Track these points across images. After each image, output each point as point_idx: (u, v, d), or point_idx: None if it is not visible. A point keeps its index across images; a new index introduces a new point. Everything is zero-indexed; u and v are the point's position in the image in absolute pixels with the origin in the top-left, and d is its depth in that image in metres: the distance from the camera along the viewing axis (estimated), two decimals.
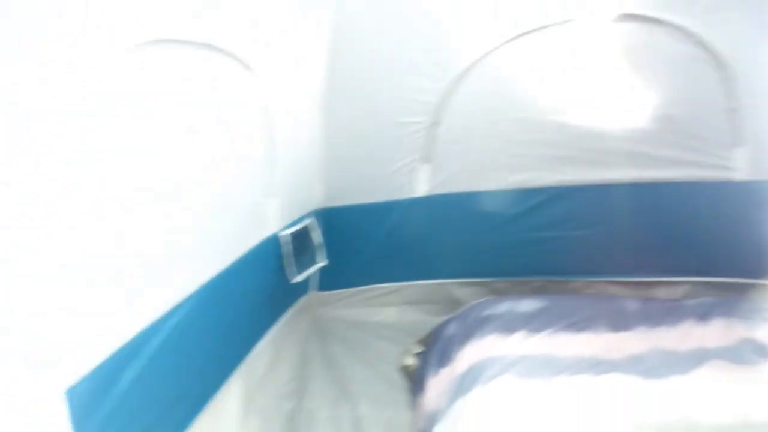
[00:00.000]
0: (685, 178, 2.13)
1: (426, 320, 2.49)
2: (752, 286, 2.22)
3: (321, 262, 2.31)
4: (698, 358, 1.64)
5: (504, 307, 2.07)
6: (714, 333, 1.81)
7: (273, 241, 1.94)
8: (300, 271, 2.10)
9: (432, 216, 2.37)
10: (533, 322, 1.95)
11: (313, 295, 2.57)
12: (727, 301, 2.01)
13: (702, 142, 2.05)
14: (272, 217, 1.92)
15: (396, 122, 2.13)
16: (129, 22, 0.96)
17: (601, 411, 1.49)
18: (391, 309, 2.61)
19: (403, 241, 2.45)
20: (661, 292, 2.37)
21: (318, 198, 2.35)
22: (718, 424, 1.39)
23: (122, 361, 1.09)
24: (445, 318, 2.19)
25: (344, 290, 2.61)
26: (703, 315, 1.90)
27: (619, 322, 1.92)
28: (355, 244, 2.49)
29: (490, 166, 2.23)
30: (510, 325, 1.93)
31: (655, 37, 1.78)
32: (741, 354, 1.67)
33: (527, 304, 2.09)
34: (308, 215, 2.27)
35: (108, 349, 1.05)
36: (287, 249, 2.00)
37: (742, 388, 1.51)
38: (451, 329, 2.04)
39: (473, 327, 1.96)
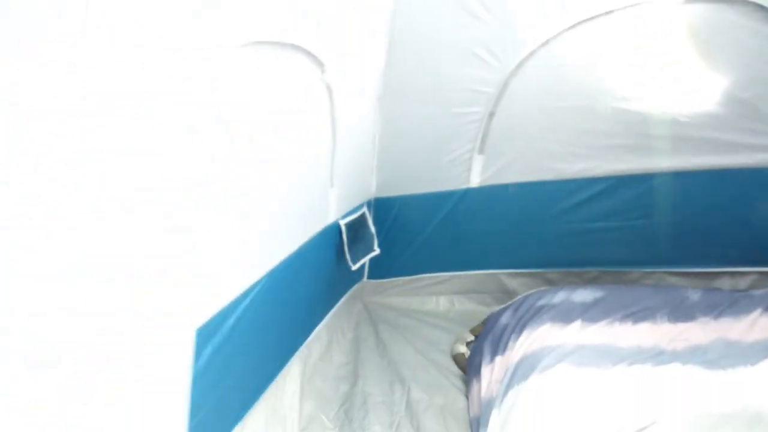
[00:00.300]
0: (755, 164, 2.05)
1: (477, 310, 2.52)
2: None
3: (375, 251, 2.37)
4: (766, 349, 1.59)
5: (559, 297, 2.06)
6: (745, 328, 1.75)
7: (334, 229, 2.02)
8: (356, 259, 2.17)
9: (484, 206, 2.37)
10: (590, 312, 1.94)
11: (366, 284, 2.64)
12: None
13: (743, 128, 1.97)
14: (333, 206, 2.00)
15: (451, 113, 2.13)
16: (229, 24, 1.05)
17: (662, 401, 1.48)
18: (442, 298, 2.65)
19: (455, 231, 2.47)
20: (726, 283, 2.30)
21: (371, 188, 2.41)
22: (741, 410, 1.36)
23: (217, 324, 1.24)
24: (498, 308, 2.21)
25: (395, 279, 2.66)
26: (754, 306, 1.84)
27: (681, 313, 1.89)
28: (405, 234, 2.53)
29: (546, 156, 2.21)
30: (566, 314, 1.93)
31: (724, 15, 1.72)
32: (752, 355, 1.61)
33: (583, 294, 2.07)
34: (363, 205, 2.34)
35: (213, 308, 1.24)
36: (348, 236, 2.08)
37: (746, 381, 1.46)
38: (505, 318, 2.05)
39: (528, 316, 1.97)
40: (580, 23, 1.79)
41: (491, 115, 2.11)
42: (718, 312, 1.86)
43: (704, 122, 1.96)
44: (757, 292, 1.97)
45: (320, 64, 1.49)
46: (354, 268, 2.12)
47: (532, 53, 1.91)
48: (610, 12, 1.75)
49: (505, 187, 2.32)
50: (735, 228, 2.15)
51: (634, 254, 2.35)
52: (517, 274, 2.57)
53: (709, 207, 2.16)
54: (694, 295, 1.98)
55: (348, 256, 2.08)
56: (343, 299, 2.40)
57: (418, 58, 2.03)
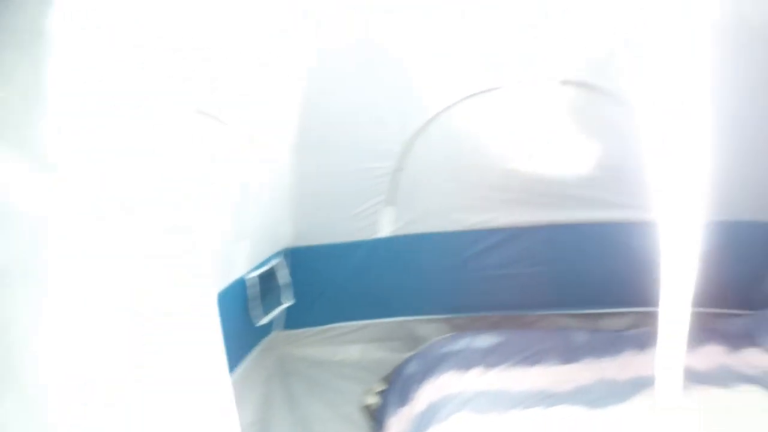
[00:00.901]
0: (626, 218, 2.32)
1: (389, 358, 2.57)
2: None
3: (287, 302, 2.37)
4: (636, 386, 1.78)
5: (462, 343, 2.18)
6: (650, 361, 1.96)
7: (240, 285, 2.00)
8: (266, 312, 2.16)
9: (395, 256, 2.48)
10: (489, 358, 2.06)
11: (279, 334, 2.61)
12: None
13: (638, 187, 2.26)
14: (241, 260, 1.99)
15: (362, 167, 2.26)
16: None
17: None
18: (355, 347, 2.68)
19: (367, 281, 2.54)
20: (608, 323, 2.53)
21: (287, 238, 2.43)
22: None
23: None
24: (406, 356, 2.28)
25: (309, 329, 2.67)
26: (642, 344, 2.06)
27: (568, 355, 2.06)
28: (321, 283, 2.57)
29: (450, 209, 2.38)
30: (467, 361, 2.04)
31: (593, 97, 2.00)
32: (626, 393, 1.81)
33: (484, 340, 2.20)
34: (276, 255, 2.34)
35: None
36: (253, 291, 2.06)
37: (675, 414, 1.65)
38: (411, 367, 2.12)
39: (432, 365, 2.05)
40: (474, 95, 2.01)
41: (399, 170, 2.25)
42: (599, 353, 2.06)
43: (580, 183, 2.21)
44: (630, 332, 2.21)
45: (220, 121, 1.53)
46: (260, 323, 2.11)
47: (434, 116, 2.10)
48: (498, 88, 1.98)
49: (413, 238, 2.45)
50: (613, 273, 2.40)
51: (530, 299, 2.54)
52: (427, 320, 2.66)
53: (589, 255, 2.41)
54: (580, 337, 2.18)
55: (254, 312, 2.07)
56: (252, 353, 2.35)
57: (333, 118, 2.13)
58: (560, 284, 2.50)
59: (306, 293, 2.50)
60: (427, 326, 2.65)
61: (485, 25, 1.82)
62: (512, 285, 2.53)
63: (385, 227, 2.42)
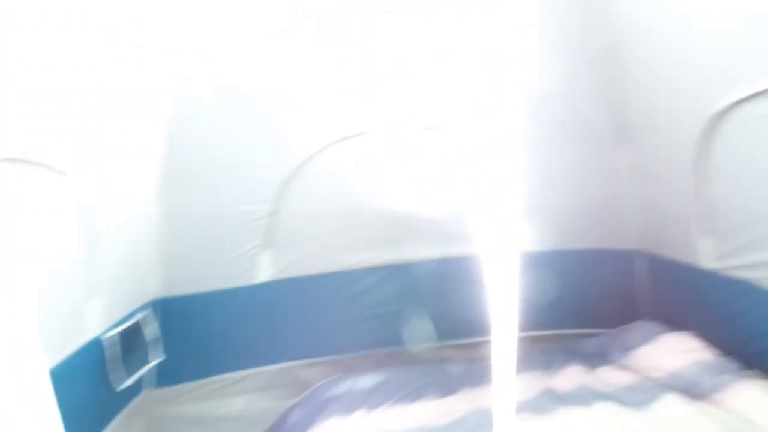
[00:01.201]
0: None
1: (275, 407, 2.45)
2: (551, 337, 2.62)
3: (156, 359, 2.18)
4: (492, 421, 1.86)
5: (345, 386, 2.15)
6: (520, 387, 2.08)
7: (94, 346, 1.80)
8: (129, 373, 1.96)
9: (276, 300, 2.42)
10: (372, 398, 2.05)
11: (150, 394, 2.39)
12: (531, 355, 2.34)
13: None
14: (94, 318, 1.80)
15: (237, 210, 2.21)
16: None
17: None
18: (238, 399, 2.52)
19: (248, 327, 2.44)
20: (486, 351, 2.65)
21: (155, 288, 2.27)
22: None
23: None
24: (289, 405, 2.19)
25: (186, 384, 2.47)
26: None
27: (446, 387, 2.12)
28: (197, 334, 2.41)
29: (329, 250, 2.38)
30: (350, 404, 2.01)
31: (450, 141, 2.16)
32: (541, 404, 1.94)
33: (366, 381, 2.20)
34: (142, 308, 2.16)
35: None
36: (113, 352, 1.87)
37: None
38: (295, 416, 2.05)
39: (316, 411, 2.00)
40: (343, 139, 2.06)
41: (276, 212, 2.22)
42: (475, 382, 2.14)
43: (454, 219, 2.33)
44: None
45: (60, 172, 1.40)
46: (123, 386, 1.91)
47: (308, 159, 2.12)
48: (365, 132, 2.06)
49: (294, 281, 2.40)
50: (486, 303, 2.53)
51: (412, 333, 2.59)
52: (312, 364, 2.60)
53: (464, 287, 2.52)
54: (457, 368, 2.26)
55: (114, 375, 1.87)
56: (116, 421, 2.11)
57: (202, 158, 2.07)
58: (439, 317, 2.58)
59: (180, 346, 2.33)
60: (312, 370, 2.59)
61: (351, 72, 1.89)
62: (394, 321, 2.57)
63: (264, 271, 2.36)
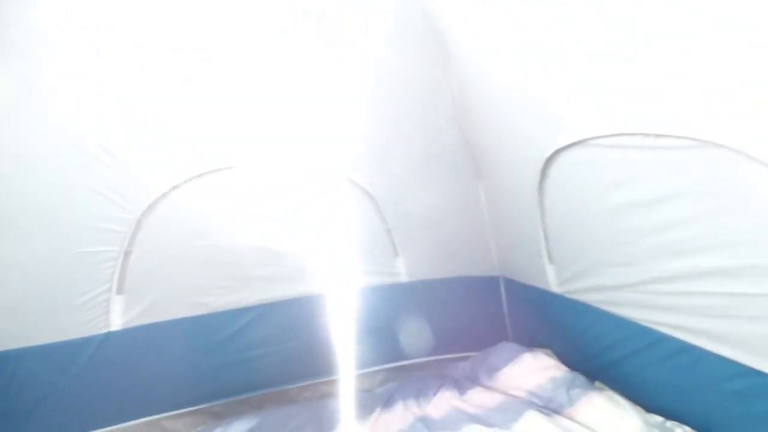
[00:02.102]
0: (368, 283, 2.51)
1: None
2: (429, 363, 2.70)
3: None
4: None
5: None
6: (395, 416, 2.11)
7: None
8: None
9: (131, 349, 2.18)
10: None
11: None
12: (407, 382, 2.39)
13: (375, 255, 2.49)
14: None
15: (80, 251, 1.98)
16: None
17: None
18: None
19: (98, 382, 2.16)
20: (364, 382, 2.65)
21: None
22: None
23: None
24: None
25: None
26: (388, 401, 2.20)
27: (324, 424, 2.07)
28: (32, 395, 2.08)
29: (194, 292, 2.23)
30: None
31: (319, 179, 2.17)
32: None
33: (240, 426, 2.07)
34: None
35: None
36: None
37: None
38: None
39: None
40: (201, 175, 1.97)
41: (127, 253, 2.03)
42: (354, 416, 2.11)
43: (322, 255, 2.33)
44: (379, 390, 2.35)
45: None
46: None
47: (162, 196, 1.97)
48: (218, 170, 2.00)
49: (153, 327, 2.20)
50: (361, 335, 2.54)
51: (289, 372, 2.50)
52: (179, 415, 2.38)
53: (337, 322, 2.51)
54: (334, 405, 2.22)
55: None
56: None
57: (33, 195, 1.83)
58: (316, 353, 2.52)
59: (13, 410, 2.01)
60: (180, 421, 2.37)
61: (212, 107, 1.83)
62: (269, 362, 2.46)
63: (117, 319, 2.12)
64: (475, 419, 2.05)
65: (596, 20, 1.28)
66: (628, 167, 1.43)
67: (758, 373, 1.41)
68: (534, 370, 2.22)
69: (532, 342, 2.45)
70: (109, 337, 2.12)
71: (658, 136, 1.26)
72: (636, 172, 1.41)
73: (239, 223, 2.11)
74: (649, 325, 1.73)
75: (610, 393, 1.99)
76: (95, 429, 2.24)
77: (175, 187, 1.94)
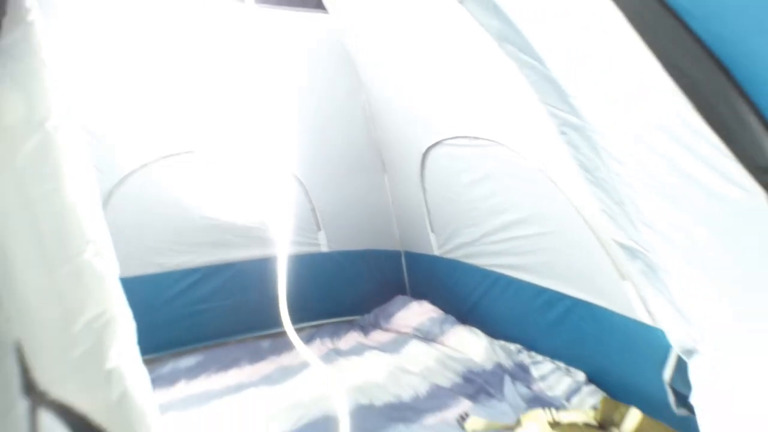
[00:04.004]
0: (295, 251, 3.12)
1: None
2: (344, 322, 3.34)
3: None
4: (303, 366, 2.49)
5: (167, 367, 2.52)
6: (313, 349, 2.75)
7: None
8: None
9: None
10: (192, 372, 2.47)
11: None
12: (322, 329, 3.02)
13: (301, 228, 3.12)
14: None
15: None
16: None
17: (244, 413, 2.12)
18: None
19: None
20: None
21: None
22: (291, 404, 2.16)
23: None
24: None
25: None
26: (308, 339, 2.84)
27: (257, 357, 2.65)
28: None
29: (151, 253, 2.72)
30: (171, 379, 2.39)
31: (260, 167, 2.77)
32: (329, 357, 2.62)
33: (187, 360, 2.60)
34: None
35: None
36: None
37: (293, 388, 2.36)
38: None
39: None
40: (171, 155, 2.51)
41: None
42: (279, 351, 2.72)
43: (260, 225, 2.92)
44: (301, 335, 2.95)
45: None
46: None
47: (132, 172, 2.48)
48: (182, 153, 2.56)
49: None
50: (290, 297, 3.13)
51: (229, 326, 3.03)
52: None
53: (271, 284, 3.09)
54: (265, 344, 2.81)
55: None
56: None
57: None
58: (252, 310, 3.08)
59: None
60: None
61: (180, 100, 2.39)
62: (212, 317, 2.99)
63: None
64: (373, 348, 2.73)
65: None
66: (465, 158, 2.20)
67: (546, 290, 2.20)
68: (418, 313, 2.94)
69: (420, 296, 3.18)
70: None
71: (474, 138, 2.03)
72: (469, 161, 2.18)
73: (193, 198, 2.67)
74: (490, 269, 2.51)
75: (470, 327, 2.75)
76: None
77: (144, 165, 2.47)
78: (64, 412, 0.68)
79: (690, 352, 1.01)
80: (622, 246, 1.04)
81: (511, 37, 1.01)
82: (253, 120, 2.50)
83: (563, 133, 1.04)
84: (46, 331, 0.66)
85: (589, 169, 1.03)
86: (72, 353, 0.67)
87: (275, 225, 3.01)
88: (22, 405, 0.70)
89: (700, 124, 1.10)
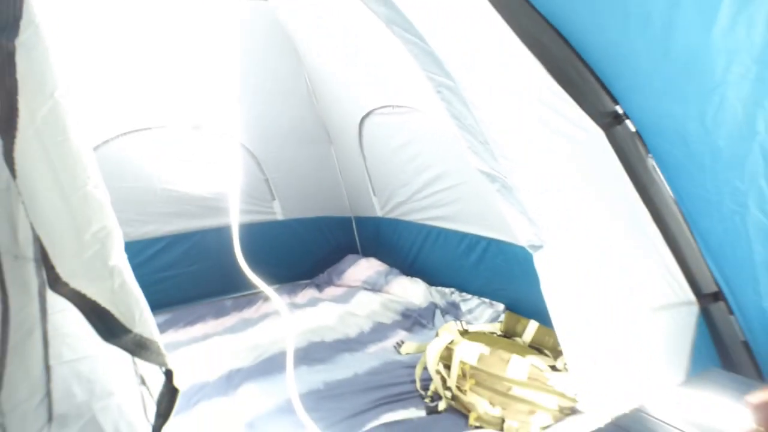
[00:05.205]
0: (252, 220, 3.41)
1: None
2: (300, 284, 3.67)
3: None
4: (262, 317, 2.82)
5: None
6: (272, 304, 3.07)
7: None
8: None
9: None
10: (160, 328, 2.74)
11: None
12: (281, 288, 3.35)
13: (257, 198, 3.41)
14: None
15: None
16: None
17: (210, 355, 2.43)
18: None
19: None
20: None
21: None
22: (252, 345, 2.51)
23: None
24: None
25: None
26: (267, 297, 3.15)
27: (221, 313, 2.96)
28: None
29: (119, 223, 2.95)
30: None
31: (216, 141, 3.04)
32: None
33: (156, 319, 2.88)
34: None
35: None
36: None
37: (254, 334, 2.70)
38: None
39: None
40: (130, 132, 2.75)
41: None
42: (241, 307, 3.04)
43: (216, 197, 3.18)
44: (261, 294, 3.28)
45: None
46: None
47: (96, 147, 2.70)
48: (148, 128, 2.79)
49: None
50: (251, 263, 3.43)
51: (195, 291, 3.31)
52: None
53: (229, 251, 3.38)
54: (229, 303, 3.12)
55: None
56: None
57: None
58: (215, 276, 3.37)
59: None
60: None
61: (138, 76, 2.63)
62: (177, 283, 3.25)
63: None
64: (326, 300, 3.09)
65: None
66: (391, 125, 2.55)
67: (467, 235, 2.60)
68: (366, 268, 3.31)
69: (369, 254, 3.55)
70: None
71: (396, 106, 2.38)
72: (396, 127, 2.54)
73: (155, 171, 2.91)
74: (423, 222, 2.89)
75: (412, 277, 3.13)
76: None
77: (106, 141, 2.70)
78: (80, 298, 0.99)
79: (535, 247, 1.40)
80: (484, 173, 1.41)
81: (397, 21, 1.34)
82: (201, 97, 2.76)
83: (439, 92, 1.38)
84: (64, 240, 0.96)
85: (459, 118, 1.38)
86: (83, 255, 0.97)
87: (228, 194, 3.33)
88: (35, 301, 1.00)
89: (553, 83, 1.49)
